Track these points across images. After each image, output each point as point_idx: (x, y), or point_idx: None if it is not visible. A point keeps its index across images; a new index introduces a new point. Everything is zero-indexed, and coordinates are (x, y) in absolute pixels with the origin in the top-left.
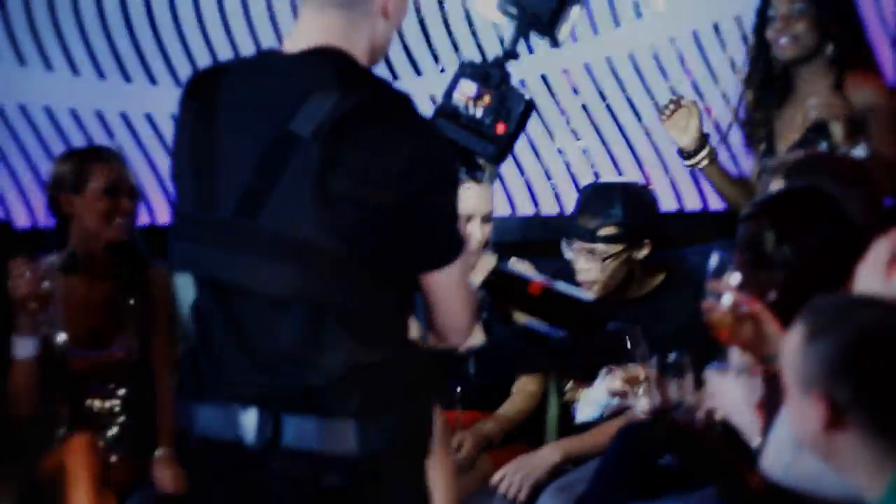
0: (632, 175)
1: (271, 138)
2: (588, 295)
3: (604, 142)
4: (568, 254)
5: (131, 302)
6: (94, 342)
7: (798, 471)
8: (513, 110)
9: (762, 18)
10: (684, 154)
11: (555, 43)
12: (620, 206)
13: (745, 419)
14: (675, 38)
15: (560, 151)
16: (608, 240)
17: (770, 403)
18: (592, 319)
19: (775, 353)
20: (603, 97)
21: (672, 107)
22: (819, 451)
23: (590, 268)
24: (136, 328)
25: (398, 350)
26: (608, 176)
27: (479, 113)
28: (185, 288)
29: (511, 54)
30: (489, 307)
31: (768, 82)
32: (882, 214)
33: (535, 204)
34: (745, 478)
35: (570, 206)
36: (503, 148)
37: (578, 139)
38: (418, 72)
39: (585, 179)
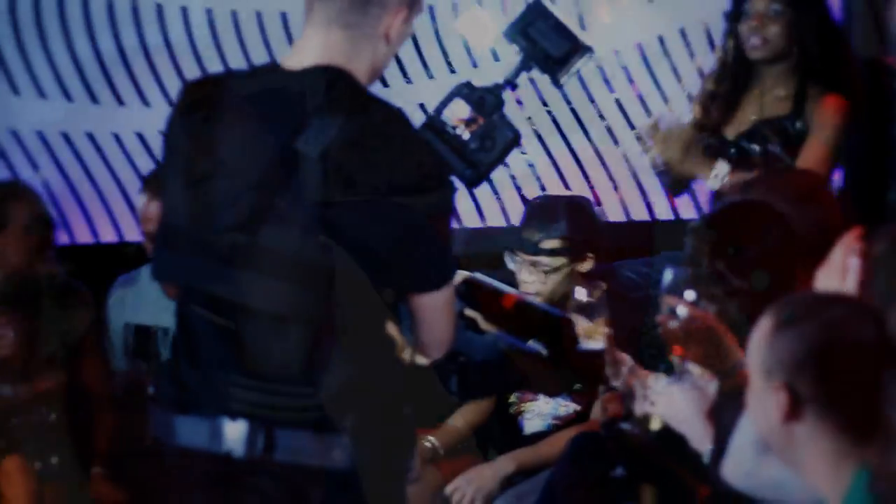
0: (578, 187)
1: (275, 156)
2: (559, 310)
3: (549, 154)
4: (511, 265)
5: (57, 330)
6: (24, 374)
7: (759, 479)
8: (498, 140)
9: (737, 10)
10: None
11: (556, 83)
12: (564, 219)
13: (695, 428)
14: (621, 51)
15: (506, 164)
16: (551, 253)
17: (725, 414)
18: (564, 333)
19: (730, 366)
20: (548, 109)
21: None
22: (776, 445)
23: (532, 280)
24: (64, 356)
25: (390, 367)
26: (554, 189)
27: (465, 135)
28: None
29: (510, 83)
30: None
31: (729, 76)
32: (836, 229)
33: (481, 216)
34: (692, 488)
35: (515, 218)
36: (481, 174)
37: (524, 153)
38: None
39: (531, 192)
